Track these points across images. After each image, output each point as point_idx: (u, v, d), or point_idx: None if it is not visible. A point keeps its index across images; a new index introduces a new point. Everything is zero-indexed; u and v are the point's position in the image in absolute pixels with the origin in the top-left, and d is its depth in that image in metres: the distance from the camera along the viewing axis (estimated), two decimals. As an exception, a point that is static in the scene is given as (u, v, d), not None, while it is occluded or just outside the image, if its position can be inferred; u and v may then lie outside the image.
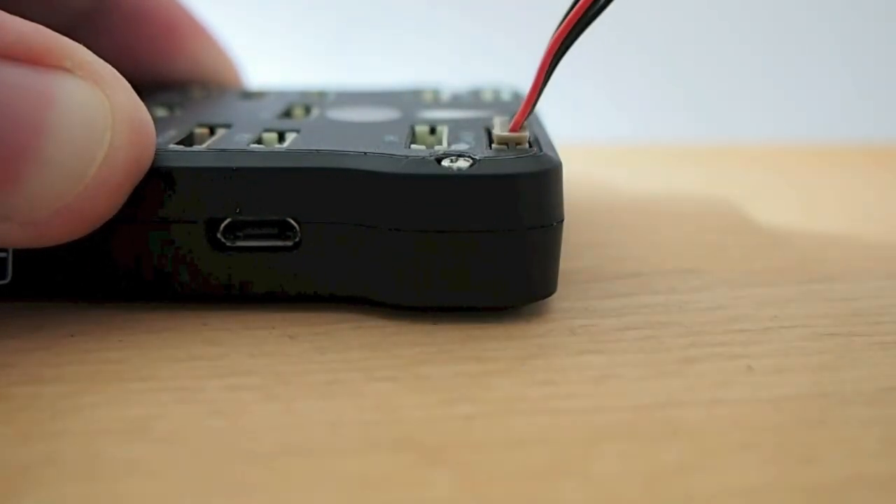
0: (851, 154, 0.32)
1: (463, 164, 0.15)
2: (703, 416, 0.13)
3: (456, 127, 0.18)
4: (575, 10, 0.15)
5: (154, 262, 0.16)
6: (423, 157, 0.15)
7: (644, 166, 0.30)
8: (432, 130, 0.18)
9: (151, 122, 0.15)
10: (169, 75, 0.24)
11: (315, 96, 0.23)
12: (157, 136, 0.16)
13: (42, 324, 0.16)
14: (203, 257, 0.16)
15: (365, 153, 0.15)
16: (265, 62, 0.34)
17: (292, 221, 0.16)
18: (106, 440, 0.12)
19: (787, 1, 0.56)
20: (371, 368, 0.14)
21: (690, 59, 0.56)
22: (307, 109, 0.21)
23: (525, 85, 0.16)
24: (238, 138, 0.17)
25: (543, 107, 0.18)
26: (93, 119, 0.14)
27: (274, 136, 0.18)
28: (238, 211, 0.16)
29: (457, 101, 0.22)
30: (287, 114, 0.20)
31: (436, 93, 0.23)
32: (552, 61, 0.15)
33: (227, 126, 0.18)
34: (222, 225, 0.16)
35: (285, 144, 0.17)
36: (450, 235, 0.15)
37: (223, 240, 0.16)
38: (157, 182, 0.15)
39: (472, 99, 0.22)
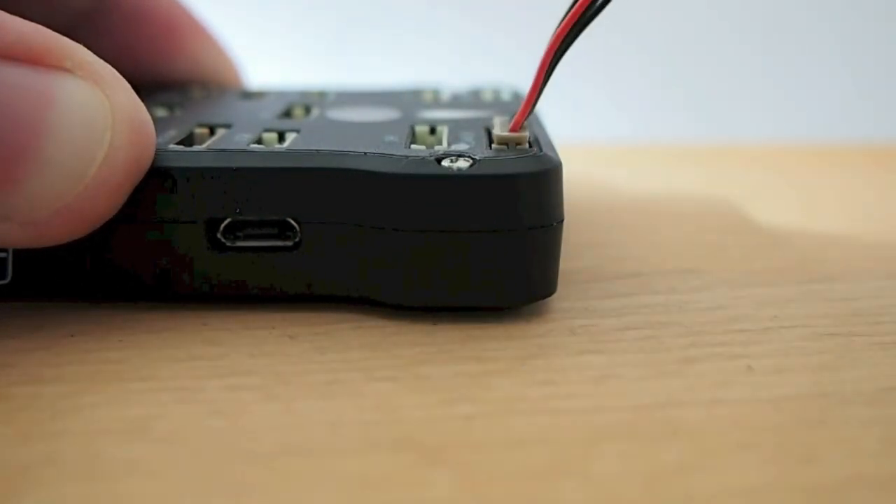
0: (851, 154, 0.32)
1: (463, 164, 0.15)
2: (703, 416, 0.13)
3: (456, 127, 0.18)
4: (574, 9, 0.15)
5: (154, 262, 0.16)
6: (423, 157, 0.15)
7: (644, 166, 0.30)
8: (432, 130, 0.18)
9: (151, 122, 0.15)
10: (169, 75, 0.24)
11: (315, 96, 0.23)
12: (157, 136, 0.16)
13: (42, 324, 0.16)
14: (203, 257, 0.16)
15: (365, 153, 0.15)
16: (265, 62, 0.34)
17: (292, 221, 0.16)
18: (106, 440, 0.12)
19: (787, 1, 0.56)
20: (371, 368, 0.14)
21: (690, 59, 0.56)
22: (307, 109, 0.21)
23: (525, 85, 0.16)
24: (238, 138, 0.17)
25: (543, 107, 0.18)
26: (93, 119, 0.14)
27: (274, 136, 0.18)
28: (238, 211, 0.16)
29: (457, 101, 0.22)
30: (287, 114, 0.20)
31: (436, 93, 0.23)
32: (552, 61, 0.15)
33: (227, 126, 0.18)
34: (222, 225, 0.16)
35: (285, 144, 0.17)
36: (450, 235, 0.15)
37: (223, 240, 0.16)
38: (157, 182, 0.15)
39: (472, 99, 0.22)
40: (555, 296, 0.16)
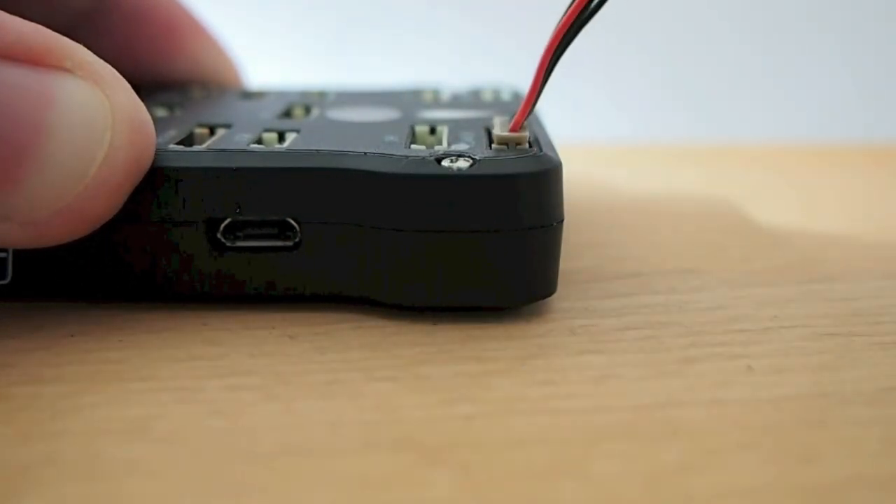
0: (851, 154, 0.32)
1: (463, 164, 0.15)
2: (703, 416, 0.13)
3: (456, 127, 0.18)
4: (571, 8, 0.15)
5: (154, 262, 0.16)
6: (423, 157, 0.15)
7: (644, 166, 0.30)
8: (432, 130, 0.18)
9: (151, 122, 0.15)
10: (169, 75, 0.24)
11: (315, 96, 0.23)
12: (157, 136, 0.16)
13: (42, 324, 0.16)
14: (203, 257, 0.16)
15: (365, 153, 0.15)
16: (265, 62, 0.34)
17: (292, 221, 0.16)
18: (106, 440, 0.12)
19: (786, 1, 0.56)
20: (371, 368, 0.14)
21: (690, 59, 0.56)
22: (307, 109, 0.21)
23: (525, 85, 0.16)
24: (238, 138, 0.17)
25: (543, 107, 0.18)
26: (93, 119, 0.14)
27: (274, 136, 0.18)
28: (238, 211, 0.16)
29: (457, 101, 0.22)
30: (287, 114, 0.20)
31: (436, 93, 0.23)
32: (551, 61, 0.15)
33: (227, 126, 0.18)
34: (222, 225, 0.16)
35: (285, 144, 0.17)
36: (450, 235, 0.15)
37: (223, 240, 0.16)
38: (157, 182, 0.15)
39: (472, 99, 0.22)
40: (555, 296, 0.16)
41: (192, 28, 0.25)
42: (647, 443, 0.12)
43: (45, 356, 0.15)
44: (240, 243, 0.16)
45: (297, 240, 0.16)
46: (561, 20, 0.15)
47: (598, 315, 0.16)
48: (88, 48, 0.14)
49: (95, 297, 0.16)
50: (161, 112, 0.20)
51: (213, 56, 0.25)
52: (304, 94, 0.23)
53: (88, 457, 0.12)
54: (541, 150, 0.16)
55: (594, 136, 0.34)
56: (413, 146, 0.16)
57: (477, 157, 0.15)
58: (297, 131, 0.18)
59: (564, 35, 0.15)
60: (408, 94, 0.23)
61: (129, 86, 0.15)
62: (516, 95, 0.23)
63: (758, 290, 0.18)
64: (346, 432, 0.13)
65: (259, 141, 0.17)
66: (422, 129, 0.18)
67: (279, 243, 0.16)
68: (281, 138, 0.18)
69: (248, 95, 0.23)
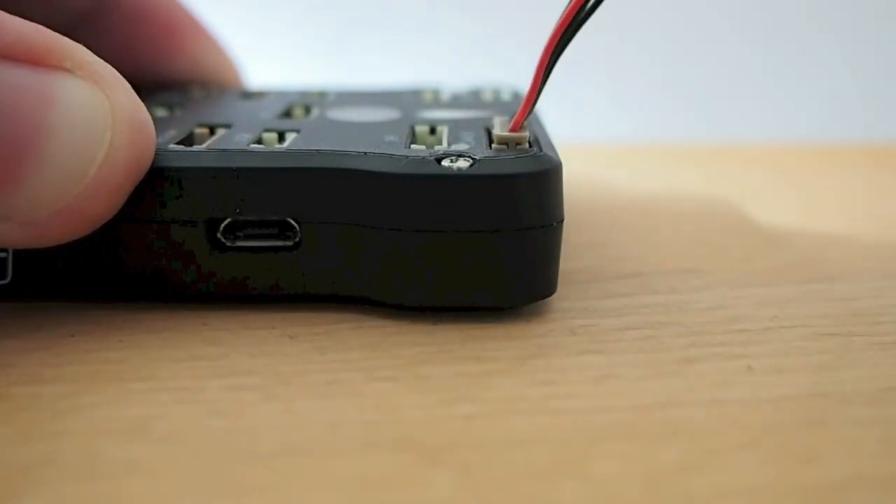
0: (851, 154, 0.32)
1: (463, 164, 0.15)
2: (703, 416, 0.13)
3: (456, 127, 0.18)
4: (569, 8, 0.15)
5: (154, 262, 0.16)
6: (423, 157, 0.15)
7: (644, 166, 0.30)
8: (432, 130, 0.18)
9: (151, 122, 0.15)
10: (169, 75, 0.24)
11: (315, 96, 0.23)
12: (157, 136, 0.16)
13: (42, 324, 0.16)
14: (203, 257, 0.16)
15: (365, 153, 0.15)
16: (265, 62, 0.34)
17: (292, 221, 0.16)
18: (106, 440, 0.12)
19: (787, 1, 0.56)
20: (371, 368, 0.14)
21: (690, 59, 0.56)
22: (307, 109, 0.21)
23: (525, 85, 0.16)
24: (238, 138, 0.17)
25: (543, 107, 0.18)
26: (93, 119, 0.14)
27: (274, 136, 0.18)
28: (238, 211, 0.16)
29: (457, 101, 0.22)
30: (287, 114, 0.20)
31: (436, 93, 0.23)
32: (550, 61, 0.15)
33: (227, 126, 0.18)
34: (222, 225, 0.16)
35: (285, 144, 0.17)
36: (450, 235, 0.15)
37: (223, 240, 0.16)
38: (157, 182, 0.15)
39: (472, 99, 0.22)
40: (555, 296, 0.16)
41: (192, 28, 0.25)
42: (647, 443, 0.12)
43: (45, 356, 0.15)
44: (240, 243, 0.16)
45: (297, 240, 0.16)
46: (559, 20, 0.15)
47: (598, 315, 0.16)
48: (88, 48, 0.14)
49: (95, 297, 0.16)
50: (161, 112, 0.20)
51: (213, 56, 0.25)
52: (304, 94, 0.23)
53: (88, 457, 0.12)
54: (541, 150, 0.16)
55: (594, 136, 0.34)
56: (413, 146, 0.16)
57: (477, 157, 0.15)
58: (297, 131, 0.18)
59: (563, 35, 0.15)
60: (408, 94, 0.23)
61: (129, 86, 0.15)
62: (516, 95, 0.23)
63: (758, 290, 0.18)
64: (346, 432, 0.13)
65: (259, 141, 0.17)
66: (422, 129, 0.18)
67: (279, 243, 0.16)
68: (281, 138, 0.18)
69: (248, 95, 0.23)
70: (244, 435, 0.12)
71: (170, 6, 0.25)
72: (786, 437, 0.12)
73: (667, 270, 0.19)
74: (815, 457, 0.12)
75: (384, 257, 0.15)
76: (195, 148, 0.16)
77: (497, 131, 0.16)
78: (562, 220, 0.16)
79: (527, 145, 0.16)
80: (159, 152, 0.15)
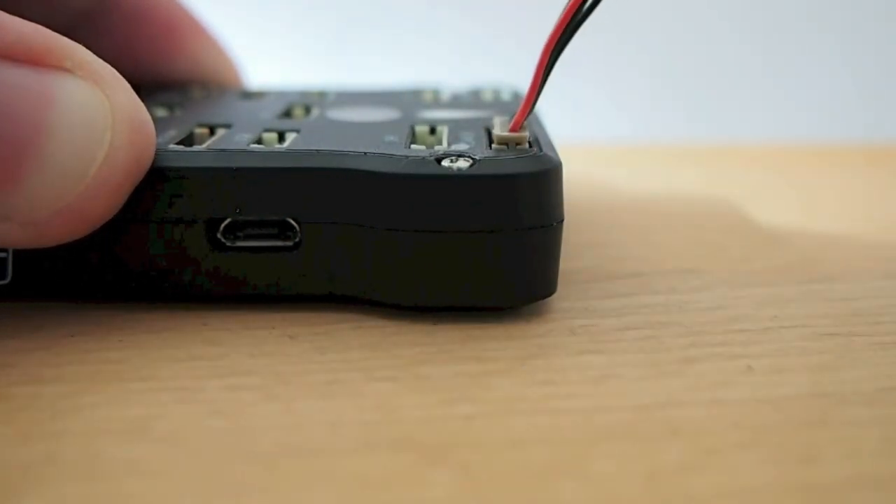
0: (851, 154, 0.32)
1: (463, 164, 0.15)
2: (703, 416, 0.13)
3: (456, 127, 0.18)
4: (567, 8, 0.15)
5: (154, 262, 0.16)
6: (423, 157, 0.15)
7: (644, 166, 0.30)
8: (432, 130, 0.18)
9: (151, 122, 0.15)
10: (169, 75, 0.24)
11: (315, 96, 0.23)
12: (157, 136, 0.16)
13: (42, 324, 0.16)
14: (203, 257, 0.16)
15: (365, 153, 0.15)
16: (265, 62, 0.34)
17: (292, 221, 0.16)
18: (106, 440, 0.12)
19: (787, 1, 0.56)
20: (371, 368, 0.14)
21: (691, 59, 0.56)
22: (307, 109, 0.21)
23: (525, 85, 0.16)
24: (238, 138, 0.17)
25: (543, 107, 0.18)
26: (93, 119, 0.14)
27: (274, 136, 0.18)
28: (238, 211, 0.16)
29: (457, 101, 0.22)
30: (287, 114, 0.20)
31: (436, 93, 0.23)
32: (549, 61, 0.15)
33: (227, 126, 0.18)
34: (222, 225, 0.16)
35: (285, 144, 0.17)
36: (450, 235, 0.15)
37: (223, 240, 0.16)
38: (157, 182, 0.15)
39: (472, 99, 0.22)
40: (555, 296, 0.16)
41: (192, 28, 0.25)
42: (647, 443, 0.12)
43: (45, 356, 0.15)
44: (240, 243, 0.16)
45: (297, 240, 0.16)
46: (558, 20, 0.15)
47: (598, 315, 0.16)
48: (88, 48, 0.14)
49: (95, 297, 0.16)
50: (161, 112, 0.20)
51: (213, 56, 0.25)
52: (304, 94, 0.23)
53: (88, 457, 0.12)
54: (541, 150, 0.16)
55: (594, 136, 0.34)
56: (413, 146, 0.16)
57: (477, 157, 0.15)
58: (297, 131, 0.18)
59: (561, 35, 0.15)
60: (408, 94, 0.23)
61: (129, 86, 0.15)
62: (516, 95, 0.23)
63: (758, 290, 0.18)
64: (346, 432, 0.13)
65: (259, 141, 0.17)
66: (422, 129, 0.18)
67: (279, 243, 0.16)
68: (281, 138, 0.18)
69: (248, 95, 0.23)
70: (244, 435, 0.12)
71: (170, 6, 0.25)
72: (786, 437, 0.12)
73: (667, 270, 0.19)
74: (815, 457, 0.12)
75: (384, 257, 0.15)
76: (195, 148, 0.16)
77: (497, 131, 0.16)
78: (562, 220, 0.16)
79: (527, 145, 0.16)
80: (159, 152, 0.15)
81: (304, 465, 0.12)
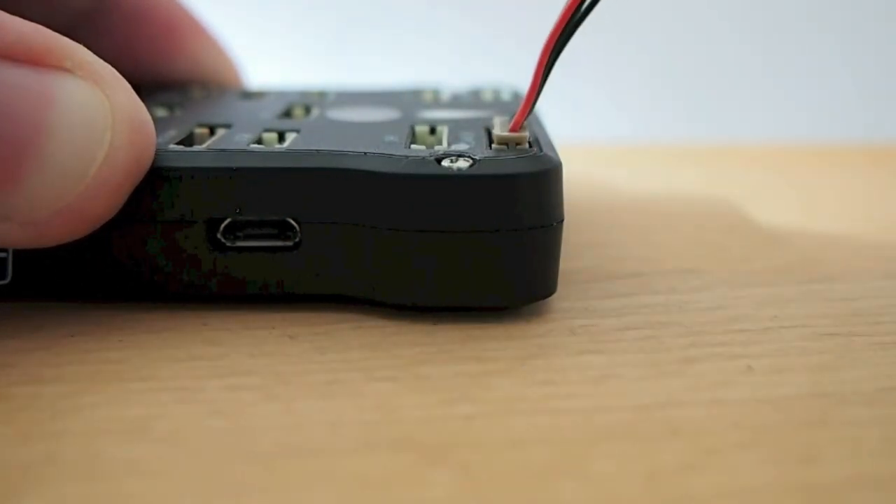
0: (851, 154, 0.32)
1: (463, 164, 0.15)
2: (703, 416, 0.13)
3: (456, 127, 0.18)
4: (565, 8, 0.15)
5: (154, 262, 0.16)
6: (423, 157, 0.15)
7: (644, 166, 0.30)
8: (432, 130, 0.18)
9: (151, 123, 0.15)
10: (169, 75, 0.24)
11: (315, 96, 0.23)
12: (157, 136, 0.16)
13: (42, 324, 0.16)
14: (203, 257, 0.16)
15: (365, 153, 0.15)
16: (265, 62, 0.34)
17: (292, 221, 0.16)
18: (106, 440, 0.12)
19: (787, 1, 0.56)
20: (371, 368, 0.14)
21: (690, 59, 0.56)
22: (307, 109, 0.21)
23: (525, 85, 0.16)
24: (238, 138, 0.17)
25: (543, 107, 0.18)
26: (93, 119, 0.14)
27: (274, 136, 0.18)
28: (238, 211, 0.16)
29: (457, 101, 0.22)
30: (287, 114, 0.20)
31: (436, 93, 0.23)
32: (548, 61, 0.15)
33: (227, 126, 0.18)
34: (222, 225, 0.16)
35: (285, 144, 0.17)
36: (450, 235, 0.15)
37: (223, 240, 0.16)
38: (158, 182, 0.15)
39: (472, 99, 0.22)
40: (555, 296, 0.16)
41: (192, 28, 0.25)
42: (647, 443, 0.12)
43: (45, 356, 0.15)
44: (240, 243, 0.16)
45: (297, 240, 0.16)
46: (556, 19, 0.15)
47: (598, 315, 0.16)
48: (88, 48, 0.14)
49: (95, 297, 0.16)
50: (161, 112, 0.20)
51: (213, 56, 0.25)
52: (304, 94, 0.23)
53: (88, 457, 0.12)
54: (541, 150, 0.16)
55: (594, 136, 0.34)
56: (413, 146, 0.16)
57: (477, 157, 0.15)
58: (297, 131, 0.18)
59: (560, 35, 0.15)
60: (408, 94, 0.23)
61: (129, 86, 0.15)
62: (516, 95, 0.23)
63: (758, 290, 0.18)
64: (346, 432, 0.13)
65: (259, 141, 0.17)
66: (422, 129, 0.18)
67: (279, 243, 0.16)
68: (281, 138, 0.18)
69: (248, 95, 0.23)
70: (244, 435, 0.12)
71: (170, 6, 0.25)
72: (786, 437, 0.12)
73: (667, 270, 0.19)
74: (815, 457, 0.12)
75: (384, 257, 0.15)
76: (195, 148, 0.16)
77: (497, 131, 0.16)
78: (562, 220, 0.16)
79: (527, 145, 0.16)
80: (159, 152, 0.15)
81: (304, 465, 0.12)
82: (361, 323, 0.16)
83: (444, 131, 0.18)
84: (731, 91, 0.56)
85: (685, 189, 0.26)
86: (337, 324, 0.16)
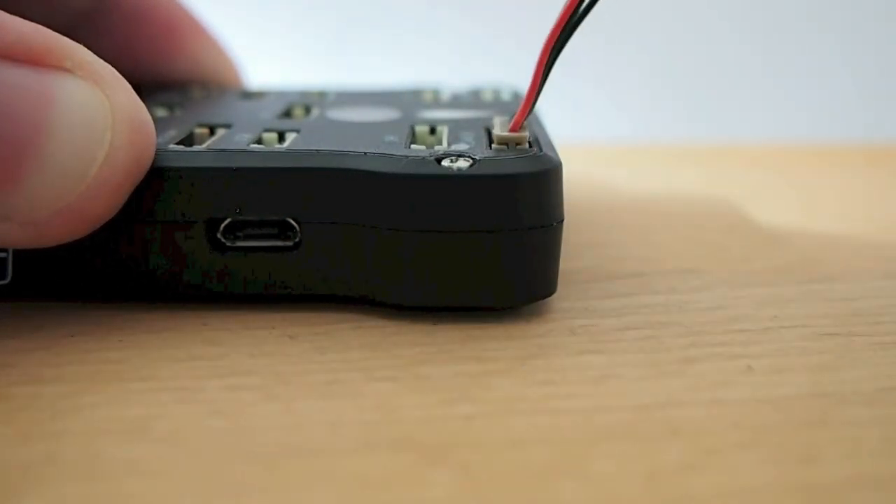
0: (851, 154, 0.32)
1: (463, 164, 0.15)
2: (703, 416, 0.13)
3: (456, 127, 0.18)
4: (564, 8, 0.15)
5: (154, 262, 0.16)
6: (423, 157, 0.15)
7: (644, 166, 0.30)
8: (432, 130, 0.18)
9: (151, 123, 0.15)
10: (169, 75, 0.24)
11: (315, 96, 0.23)
12: (157, 136, 0.16)
13: (42, 324, 0.16)
14: (203, 257, 0.16)
15: (365, 153, 0.15)
16: (265, 62, 0.34)
17: (292, 221, 0.16)
18: (106, 440, 0.12)
19: (787, 1, 0.56)
20: (371, 368, 0.14)
21: (690, 59, 0.56)
22: (307, 109, 0.21)
23: (525, 85, 0.16)
24: (238, 138, 0.17)
25: (543, 107, 0.18)
26: (93, 119, 0.14)
27: (274, 136, 0.18)
28: (238, 211, 0.16)
29: (457, 101, 0.22)
30: (287, 114, 0.20)
31: (436, 93, 0.23)
32: (548, 60, 0.15)
33: (227, 126, 0.18)
34: (222, 225, 0.16)
35: (285, 144, 0.17)
36: (450, 235, 0.15)
37: (223, 240, 0.16)
38: (158, 182, 0.15)
39: (472, 99, 0.22)
40: (555, 296, 0.16)
41: (192, 28, 0.25)
42: (647, 443, 0.12)
43: (45, 356, 0.15)
44: (240, 243, 0.16)
45: (297, 240, 0.16)
46: (556, 19, 0.15)
47: (598, 315, 0.16)
48: (88, 48, 0.14)
49: (95, 297, 0.16)
50: (161, 112, 0.20)
51: (213, 56, 0.25)
52: (304, 94, 0.23)
53: (88, 457, 0.12)
54: (541, 150, 0.16)
55: (594, 136, 0.34)
56: (413, 146, 0.16)
57: (477, 157, 0.15)
58: (297, 131, 0.18)
59: (560, 35, 0.15)
60: (408, 94, 0.23)
61: (129, 86, 0.15)
62: (516, 95, 0.23)
63: (758, 290, 0.18)
64: (346, 432, 0.13)
65: (259, 141, 0.17)
66: (422, 129, 0.18)
67: (279, 243, 0.16)
68: (281, 138, 0.18)
69: (248, 95, 0.23)
70: (244, 435, 0.12)
71: (170, 6, 0.25)
72: (786, 437, 0.12)
73: (667, 270, 0.19)
74: (815, 457, 0.12)
75: (384, 257, 0.15)
76: (195, 148, 0.16)
77: (497, 131, 0.16)
78: (562, 220, 0.16)
79: (527, 145, 0.16)
80: (159, 152, 0.15)
81: (304, 465, 0.12)
82: (361, 323, 0.16)
83: (444, 131, 0.18)
84: (731, 91, 0.56)
85: (685, 189, 0.26)
86: (337, 324, 0.16)
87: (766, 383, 0.14)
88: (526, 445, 0.12)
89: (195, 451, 0.12)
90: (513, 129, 0.16)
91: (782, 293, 0.18)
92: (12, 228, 0.14)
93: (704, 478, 0.12)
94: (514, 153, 0.15)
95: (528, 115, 0.16)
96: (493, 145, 0.16)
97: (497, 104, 0.21)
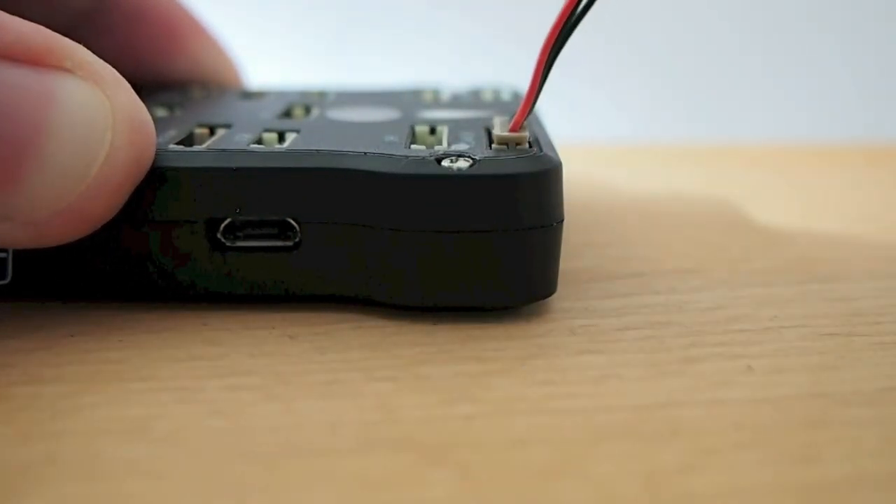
0: (851, 154, 0.32)
1: (463, 164, 0.15)
2: (703, 416, 0.13)
3: (456, 127, 0.18)
4: (563, 8, 0.15)
5: (154, 262, 0.16)
6: (423, 157, 0.15)
7: (644, 166, 0.30)
8: (432, 130, 0.18)
9: (152, 123, 0.15)
10: (169, 75, 0.24)
11: (315, 96, 0.23)
12: (157, 136, 0.16)
13: (42, 324, 0.16)
14: (203, 257, 0.16)
15: (365, 153, 0.15)
16: (265, 62, 0.34)
17: (292, 221, 0.16)
18: (106, 440, 0.12)
19: (787, 1, 0.56)
20: (371, 368, 0.14)
21: (690, 58, 0.56)
22: (307, 109, 0.21)
23: (525, 85, 0.16)
24: (238, 138, 0.17)
25: (543, 107, 0.18)
26: (93, 119, 0.14)
27: (274, 136, 0.18)
28: (238, 211, 0.16)
29: (457, 101, 0.22)
30: (287, 114, 0.20)
31: (436, 93, 0.23)
32: (547, 61, 0.15)
33: (227, 126, 0.18)
34: (222, 225, 0.16)
35: (285, 144, 0.17)
36: (449, 235, 0.15)
37: (223, 240, 0.16)
38: (158, 182, 0.15)
39: (472, 99, 0.22)
40: (555, 296, 0.16)
41: (192, 28, 0.25)
42: (647, 443, 0.12)
43: (45, 356, 0.15)
44: (240, 243, 0.16)
45: (297, 240, 0.16)
46: (555, 19, 0.15)
47: (598, 315, 0.16)
48: (88, 48, 0.14)
49: (95, 297, 0.16)
50: (161, 112, 0.20)
51: (213, 56, 0.25)
52: (304, 94, 0.23)
53: (88, 457, 0.12)
54: (541, 150, 0.16)
55: (594, 136, 0.34)
56: (413, 146, 0.16)
57: (477, 157, 0.15)
58: (297, 131, 0.18)
59: (559, 34, 0.15)
60: (408, 94, 0.23)
61: (129, 86, 0.15)
62: (516, 95, 0.23)
63: (758, 290, 0.18)
64: (346, 432, 0.13)
65: (259, 141, 0.17)
66: (422, 129, 0.18)
67: (279, 243, 0.16)
68: (281, 138, 0.18)
69: (248, 95, 0.23)
70: (244, 435, 0.12)
71: (170, 6, 0.25)
72: (786, 437, 0.12)
73: (667, 270, 0.19)
74: (815, 457, 0.12)
75: (384, 257, 0.15)
76: (195, 148, 0.16)
77: (497, 131, 0.16)
78: (562, 220, 0.16)
79: (527, 145, 0.16)
80: (159, 152, 0.15)
81: (304, 465, 0.12)
82: (361, 323, 0.16)
83: (444, 131, 0.18)
84: (731, 91, 0.56)
85: (685, 189, 0.26)
86: (337, 324, 0.16)
87: (766, 383, 0.14)
88: (526, 445, 0.12)
89: (195, 451, 0.12)
90: (513, 129, 0.16)
91: (782, 293, 0.18)
92: (13, 228, 0.14)
93: (704, 478, 0.12)
94: (514, 153, 0.15)
95: (528, 115, 0.16)
96: (493, 145, 0.16)
97: (497, 104, 0.21)
